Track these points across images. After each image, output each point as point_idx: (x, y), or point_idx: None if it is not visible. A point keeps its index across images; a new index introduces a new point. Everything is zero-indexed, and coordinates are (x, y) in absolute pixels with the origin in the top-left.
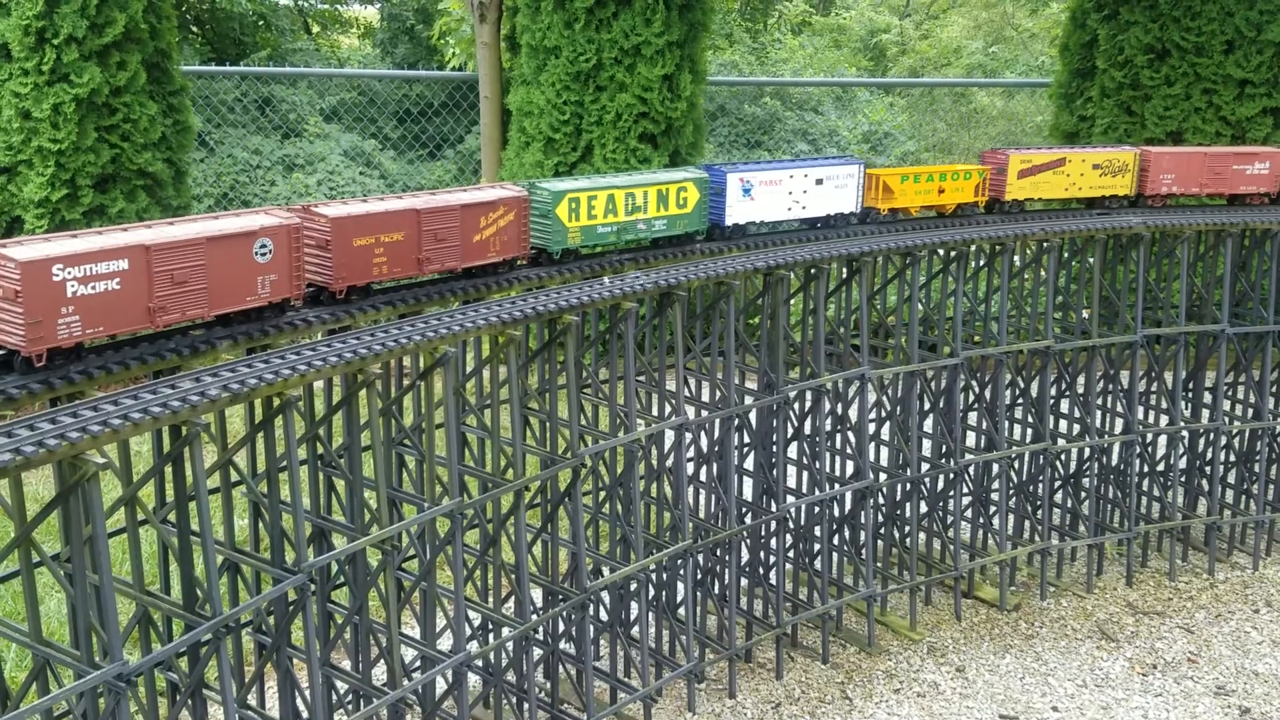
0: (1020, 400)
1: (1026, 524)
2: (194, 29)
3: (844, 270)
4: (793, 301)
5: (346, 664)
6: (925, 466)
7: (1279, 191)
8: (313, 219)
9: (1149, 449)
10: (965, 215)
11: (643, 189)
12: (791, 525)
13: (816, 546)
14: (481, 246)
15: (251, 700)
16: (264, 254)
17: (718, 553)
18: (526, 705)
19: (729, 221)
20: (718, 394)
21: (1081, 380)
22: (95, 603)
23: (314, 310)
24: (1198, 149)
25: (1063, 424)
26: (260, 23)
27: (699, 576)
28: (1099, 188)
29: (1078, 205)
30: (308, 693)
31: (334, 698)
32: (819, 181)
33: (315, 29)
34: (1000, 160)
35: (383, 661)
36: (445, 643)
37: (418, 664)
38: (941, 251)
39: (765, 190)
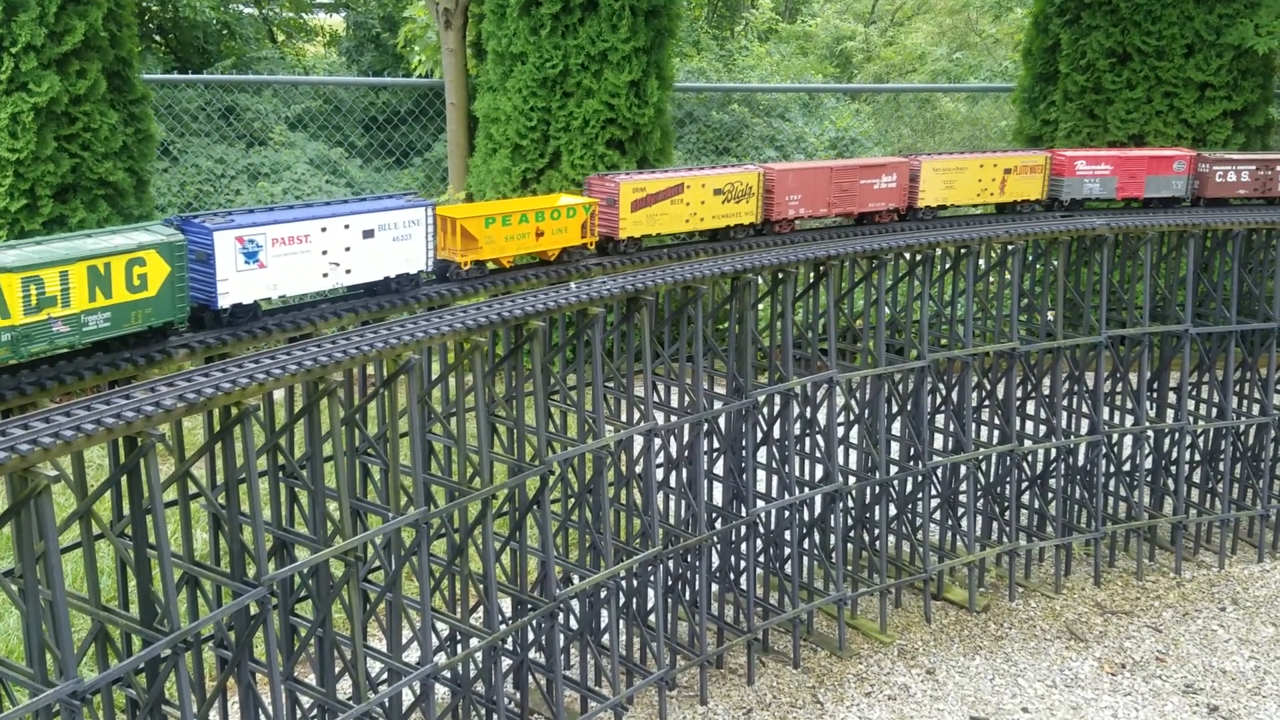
0: (987, 402)
1: (994, 525)
2: (157, 38)
3: (811, 274)
4: (760, 306)
5: (311, 678)
6: (894, 469)
7: (908, 206)
8: None
9: (1115, 449)
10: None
11: (58, 268)
12: (761, 530)
13: (786, 551)
14: None
15: (214, 716)
16: None
17: (688, 558)
18: (495, 716)
19: (227, 302)
20: (686, 399)
21: (1047, 381)
22: (49, 619)
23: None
24: (822, 164)
25: (1029, 425)
26: (224, 31)
27: (669, 583)
28: (722, 217)
29: (701, 238)
30: (270, 708)
31: (298, 713)
32: (368, 233)
33: (280, 37)
34: (610, 190)
35: (348, 675)
36: (412, 655)
37: (384, 677)
38: (908, 255)
39: (284, 251)
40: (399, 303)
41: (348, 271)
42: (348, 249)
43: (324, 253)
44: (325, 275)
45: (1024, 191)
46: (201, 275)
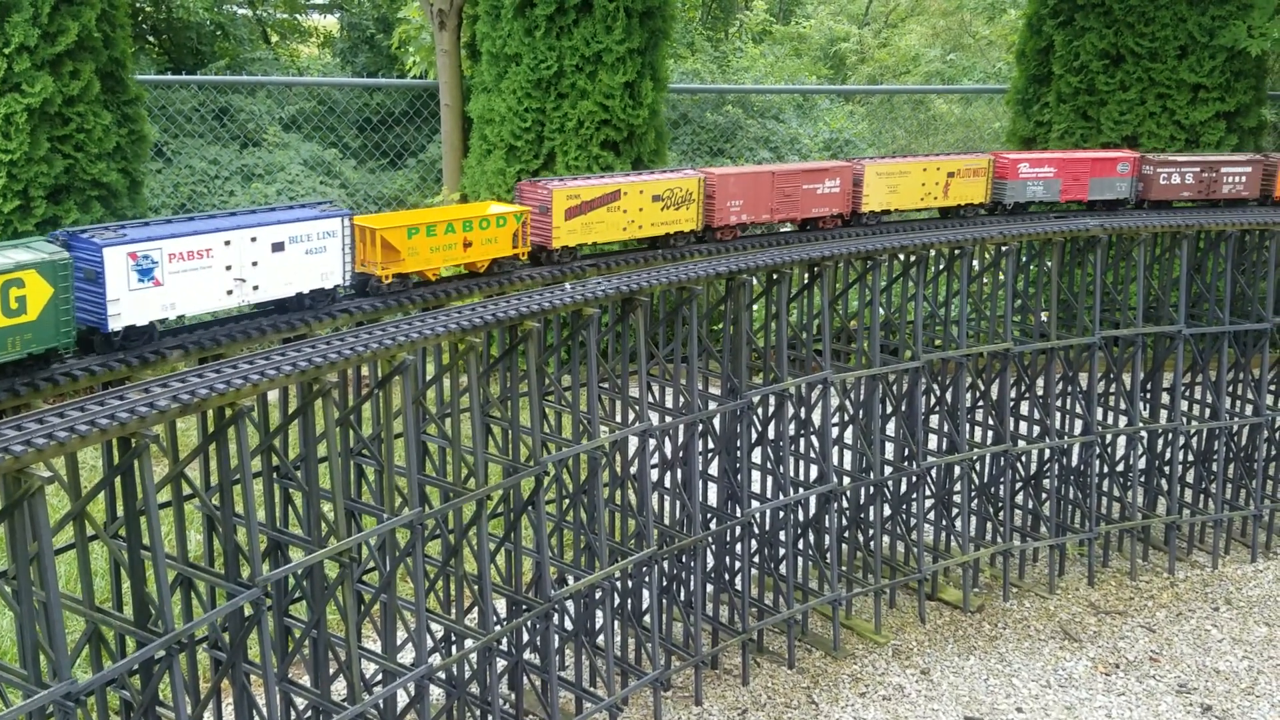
0: (981, 402)
1: (989, 525)
2: (151, 39)
3: (806, 275)
4: (755, 306)
5: (305, 679)
6: (888, 469)
7: (852, 211)
8: None
9: (1108, 450)
10: (505, 273)
11: None
12: (756, 530)
13: (781, 551)
14: None
15: (208, 718)
16: None
17: (683, 559)
18: (490, 717)
19: (118, 324)
20: (681, 399)
21: (1041, 382)
22: (43, 621)
23: None
24: (764, 168)
25: (1023, 426)
26: (218, 32)
27: (664, 583)
28: (662, 224)
29: (639, 246)
30: (265, 709)
31: (292, 714)
32: (278, 247)
33: (274, 38)
34: (543, 196)
35: (342, 676)
36: (407, 656)
37: (378, 678)
38: (902, 256)
39: (183, 268)
40: (312, 320)
41: (255, 288)
42: (255, 264)
43: (228, 268)
44: (230, 293)
45: (967, 195)
46: (90, 296)
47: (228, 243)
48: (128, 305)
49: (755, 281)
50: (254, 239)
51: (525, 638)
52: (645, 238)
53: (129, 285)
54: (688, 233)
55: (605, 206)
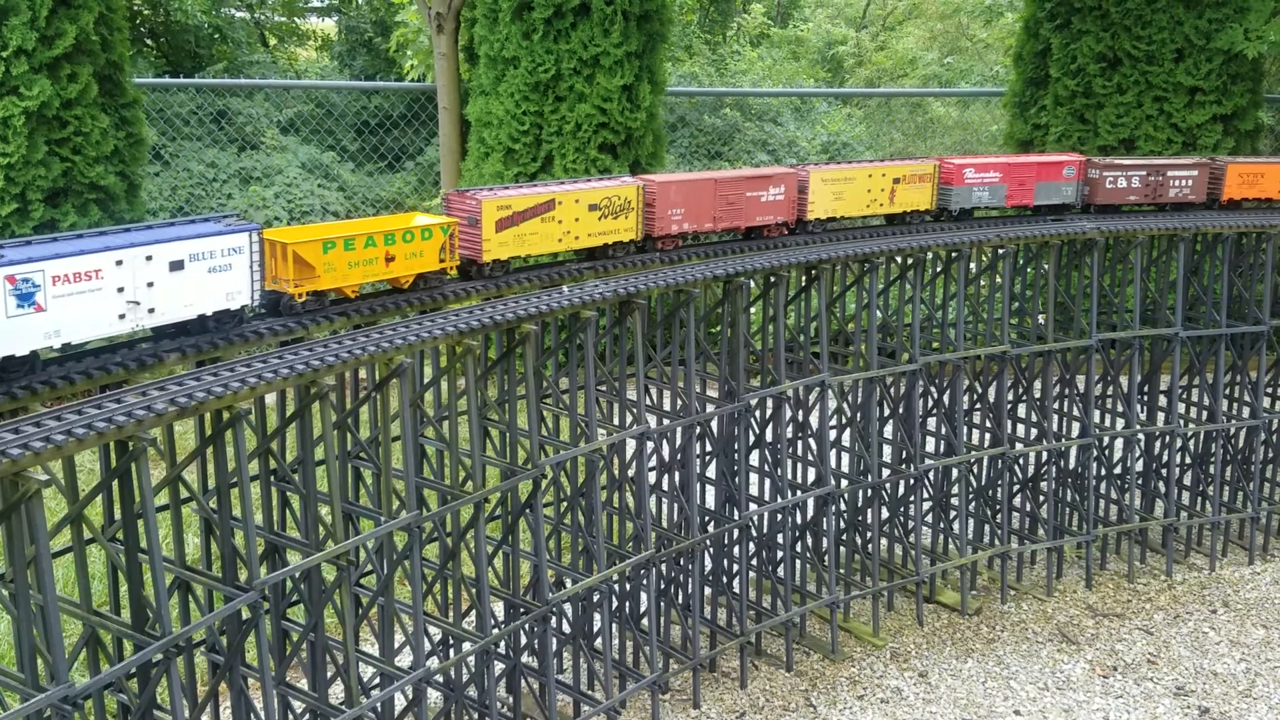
0: (978, 405)
1: (986, 528)
2: (148, 42)
3: (803, 278)
4: (752, 309)
5: (303, 683)
6: (886, 472)
7: (797, 219)
8: None
9: (1106, 452)
10: (433, 288)
11: None
12: (754, 533)
13: (779, 554)
14: None
15: None
16: None
17: (681, 562)
18: None
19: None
20: (679, 402)
21: (1038, 385)
22: (40, 624)
23: None
24: (706, 175)
25: (1020, 428)
26: (216, 35)
27: (662, 586)
28: (599, 234)
29: (571, 256)
30: (262, 713)
31: (290, 717)
32: (176, 265)
33: (272, 41)
34: (471, 207)
35: (340, 679)
36: (404, 659)
37: (376, 681)
38: (899, 259)
39: (69, 291)
40: (220, 343)
41: (151, 311)
42: (150, 284)
43: (120, 290)
44: (122, 317)
45: (913, 201)
46: None
47: (119, 262)
48: (5, 334)
49: (753, 284)
50: (149, 258)
51: (523, 641)
52: (582, 249)
53: (6, 312)
54: (627, 243)
55: (539, 217)
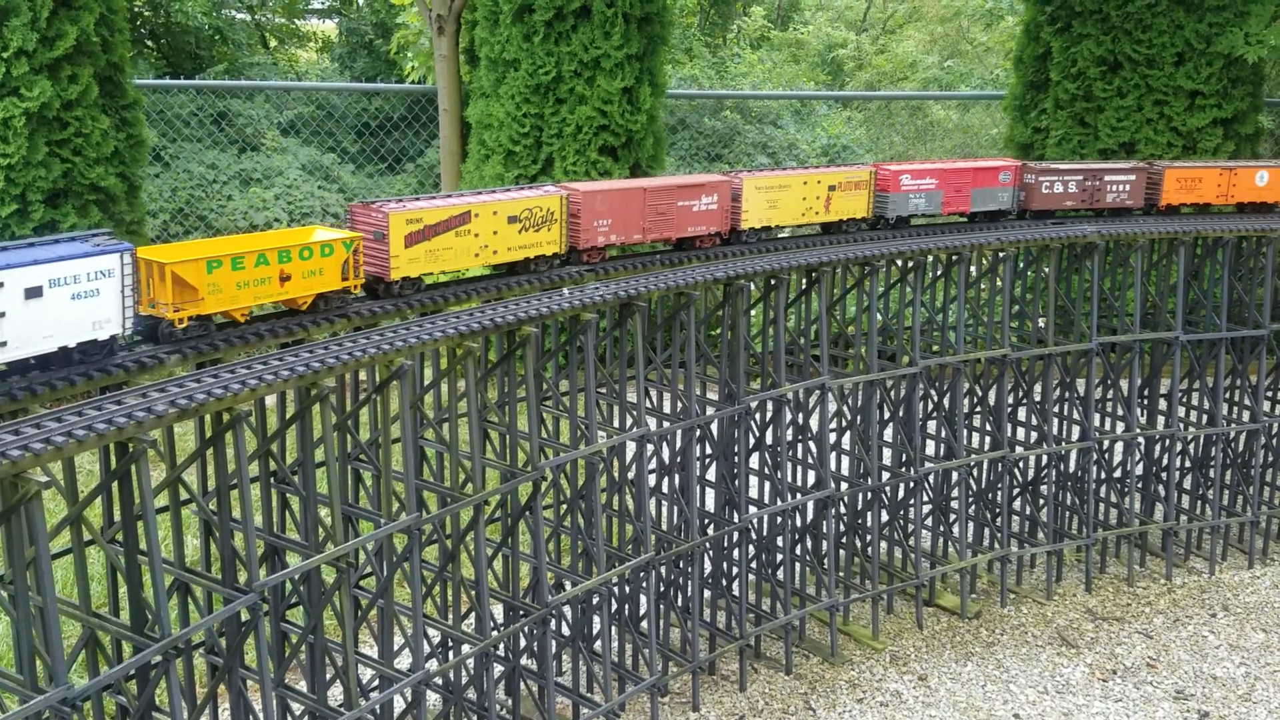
0: (978, 408)
1: (986, 531)
2: (149, 43)
3: (803, 280)
4: (753, 312)
5: (302, 685)
6: (886, 475)
7: (731, 229)
8: None
9: (1106, 456)
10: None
11: None
12: (754, 536)
13: (779, 557)
14: None
15: None
16: None
17: (680, 564)
18: None
19: None
20: (679, 405)
21: (1038, 388)
22: (39, 626)
23: None
24: (634, 183)
25: (1020, 432)
26: (217, 37)
27: (661, 589)
28: (520, 248)
29: (489, 270)
30: (261, 715)
31: (288, 719)
32: (33, 292)
33: (273, 43)
34: (378, 221)
35: (339, 681)
36: (404, 661)
37: (375, 683)
38: (899, 262)
39: None
40: (92, 376)
41: (3, 344)
42: (2, 314)
43: None
44: None
45: (849, 210)
46: None
47: None
48: None
49: (753, 287)
50: (1, 284)
51: (522, 643)
52: (502, 264)
53: None
54: (550, 256)
55: (453, 230)
